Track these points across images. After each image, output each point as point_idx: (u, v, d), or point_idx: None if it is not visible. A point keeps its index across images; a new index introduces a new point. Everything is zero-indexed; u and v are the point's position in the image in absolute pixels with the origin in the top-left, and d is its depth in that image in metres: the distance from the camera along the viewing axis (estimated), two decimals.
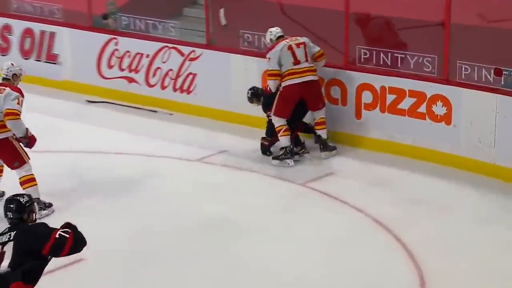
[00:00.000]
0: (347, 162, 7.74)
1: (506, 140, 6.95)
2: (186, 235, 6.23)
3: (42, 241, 4.25)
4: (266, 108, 7.87)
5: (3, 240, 4.30)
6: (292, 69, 7.50)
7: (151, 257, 5.84)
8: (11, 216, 4.49)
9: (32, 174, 6.68)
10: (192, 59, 8.95)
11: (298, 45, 7.59)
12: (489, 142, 7.10)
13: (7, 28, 10.39)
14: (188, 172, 7.68)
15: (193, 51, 8.91)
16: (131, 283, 5.54)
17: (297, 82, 7.52)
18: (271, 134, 7.83)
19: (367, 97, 7.82)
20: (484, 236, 6.14)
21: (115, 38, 9.60)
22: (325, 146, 7.67)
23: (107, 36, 9.69)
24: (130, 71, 9.46)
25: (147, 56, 9.08)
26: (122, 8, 9.81)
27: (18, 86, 6.88)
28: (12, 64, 6.96)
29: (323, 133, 7.69)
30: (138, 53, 9.08)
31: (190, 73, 8.97)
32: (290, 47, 7.54)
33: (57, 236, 4.26)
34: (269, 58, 7.59)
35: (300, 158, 7.82)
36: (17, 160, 6.69)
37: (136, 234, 6.22)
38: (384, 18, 8.39)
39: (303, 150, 7.94)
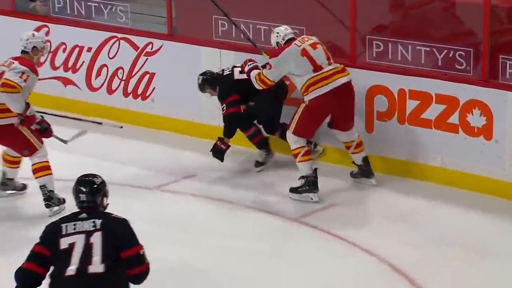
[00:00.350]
0: (355, 190, 7.89)
1: None
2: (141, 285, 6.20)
3: (130, 243, 4.82)
4: (223, 99, 8.14)
5: (89, 229, 4.74)
6: (314, 77, 7.50)
7: None
8: (84, 199, 4.98)
9: (47, 162, 7.48)
10: (149, 54, 9.08)
11: (314, 46, 7.59)
12: None
13: None
14: (144, 204, 7.77)
15: (151, 43, 9.04)
16: None
17: (325, 91, 7.50)
18: (230, 134, 8.14)
19: (380, 103, 7.96)
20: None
21: (45, 26, 9.72)
22: (370, 170, 7.81)
23: (34, 23, 9.78)
24: (66, 70, 9.62)
25: (89, 50, 9.18)
26: None
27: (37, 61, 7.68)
28: (33, 34, 7.67)
29: (365, 153, 7.82)
30: (76, 46, 9.17)
31: (147, 72, 9.13)
32: (304, 52, 7.54)
33: (142, 251, 4.84)
34: (271, 66, 7.61)
35: (263, 168, 8.21)
36: (26, 148, 7.49)
37: None
38: None
39: (266, 156, 8.38)
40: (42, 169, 7.56)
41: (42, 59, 8.35)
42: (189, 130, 8.96)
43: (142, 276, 4.90)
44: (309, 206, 7.57)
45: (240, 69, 8.28)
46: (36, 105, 9.62)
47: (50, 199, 7.54)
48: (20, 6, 9.84)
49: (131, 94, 9.14)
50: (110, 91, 9.17)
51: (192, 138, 8.91)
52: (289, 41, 7.67)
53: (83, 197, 5.02)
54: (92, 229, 4.76)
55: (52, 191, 7.54)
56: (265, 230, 7.26)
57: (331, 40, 8.22)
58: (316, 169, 7.66)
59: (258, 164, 8.32)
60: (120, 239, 4.84)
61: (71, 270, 4.60)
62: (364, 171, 7.84)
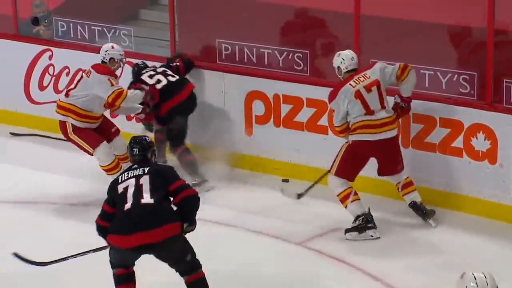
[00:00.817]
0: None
1: None
2: None
3: (173, 178, 5.96)
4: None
5: (138, 174, 5.94)
6: (365, 120, 7.44)
7: None
8: (137, 153, 6.21)
9: (107, 165, 8.30)
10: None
11: (368, 88, 7.45)
12: None
13: None
14: None
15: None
16: None
17: (371, 139, 7.45)
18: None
19: None
20: None
21: (48, 50, 9.78)
22: (426, 210, 7.60)
23: (38, 47, 9.89)
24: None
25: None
26: (58, 10, 9.98)
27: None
28: (112, 46, 8.34)
29: (416, 196, 7.60)
30: (79, 70, 9.10)
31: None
32: (358, 94, 7.42)
33: (186, 183, 6.02)
34: (333, 110, 7.61)
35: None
36: (86, 152, 8.35)
37: None
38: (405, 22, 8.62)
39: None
40: (106, 171, 8.39)
41: (117, 72, 8.64)
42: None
43: (192, 198, 5.98)
44: (312, 231, 7.58)
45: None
46: (39, 129, 9.75)
47: None
48: (23, 30, 9.88)
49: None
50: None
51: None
52: (349, 72, 7.51)
53: (136, 151, 6.22)
54: (141, 173, 5.93)
55: None
56: (269, 254, 7.25)
57: (328, 62, 8.09)
58: (369, 208, 7.53)
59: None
60: (165, 177, 5.98)
61: (128, 205, 5.79)
62: (422, 211, 7.60)
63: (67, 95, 8.41)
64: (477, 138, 7.46)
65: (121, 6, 10.49)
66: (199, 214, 7.67)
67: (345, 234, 7.44)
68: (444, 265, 6.81)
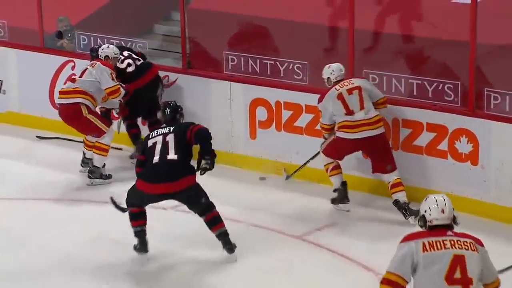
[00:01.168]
0: (352, 210, 7.80)
1: None
2: None
3: (187, 128, 6.61)
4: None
5: (165, 132, 6.59)
6: (345, 121, 7.53)
7: None
8: (168, 113, 6.90)
9: (108, 146, 8.57)
10: (165, 86, 9.04)
11: (350, 91, 7.54)
12: None
13: None
14: (159, 223, 7.63)
15: (167, 76, 9.03)
16: None
17: (350, 138, 7.53)
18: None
19: None
20: None
21: (71, 61, 9.74)
22: (408, 209, 7.52)
23: (62, 59, 9.83)
24: None
25: None
26: (80, 25, 9.92)
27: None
28: (108, 46, 8.77)
29: (401, 196, 7.54)
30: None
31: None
32: (340, 96, 7.52)
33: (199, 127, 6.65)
34: (320, 111, 7.71)
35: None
36: (94, 131, 8.53)
37: None
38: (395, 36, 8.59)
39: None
40: (100, 149, 8.54)
41: None
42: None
43: (201, 130, 6.63)
44: (311, 225, 7.52)
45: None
46: (62, 132, 9.71)
47: (92, 172, 8.55)
48: (48, 43, 9.86)
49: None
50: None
51: None
52: (337, 82, 7.61)
53: (167, 111, 6.89)
54: (167, 132, 6.58)
55: (97, 167, 8.53)
56: (270, 247, 7.19)
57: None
58: (345, 182, 7.74)
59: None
60: (184, 131, 6.59)
61: (156, 159, 6.49)
62: (404, 209, 7.53)
63: (73, 80, 8.69)
64: (460, 142, 7.41)
65: (137, 21, 10.42)
66: None
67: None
68: None
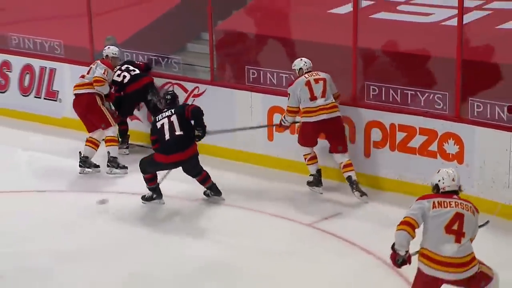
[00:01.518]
0: (356, 202, 7.66)
1: None
2: (183, 281, 6.14)
3: (184, 108, 7.43)
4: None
5: (168, 114, 7.34)
6: (307, 107, 7.57)
7: None
8: (169, 98, 7.69)
9: (115, 137, 8.58)
10: (196, 96, 8.94)
11: (317, 80, 7.62)
12: (503, 183, 7.05)
13: (6, 64, 10.41)
14: (189, 212, 7.67)
15: (197, 87, 8.92)
16: None
17: (311, 121, 7.57)
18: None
19: (376, 134, 7.80)
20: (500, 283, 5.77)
21: None
22: (357, 186, 7.57)
23: None
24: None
25: None
26: (124, 43, 9.81)
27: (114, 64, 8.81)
28: (108, 47, 8.87)
29: (353, 174, 7.57)
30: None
31: None
32: (308, 83, 7.58)
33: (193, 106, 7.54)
34: (289, 94, 7.73)
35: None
36: (103, 122, 8.48)
37: (132, 278, 6.15)
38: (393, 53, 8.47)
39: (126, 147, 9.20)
40: (111, 141, 8.52)
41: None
42: (227, 154, 8.85)
43: (194, 109, 7.45)
44: (319, 214, 7.40)
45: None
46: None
47: (111, 162, 8.49)
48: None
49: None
50: None
51: (229, 160, 8.79)
52: (307, 72, 7.72)
53: (168, 97, 7.67)
54: (170, 114, 7.35)
55: (115, 157, 8.51)
56: (284, 234, 7.10)
57: (337, 85, 8.04)
58: (319, 169, 7.80)
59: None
60: (183, 109, 7.39)
61: (167, 136, 7.25)
62: (354, 185, 7.60)
63: (83, 77, 8.69)
64: (448, 144, 7.29)
65: (173, 41, 10.33)
66: (233, 201, 7.75)
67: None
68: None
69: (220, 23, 9.56)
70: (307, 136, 7.72)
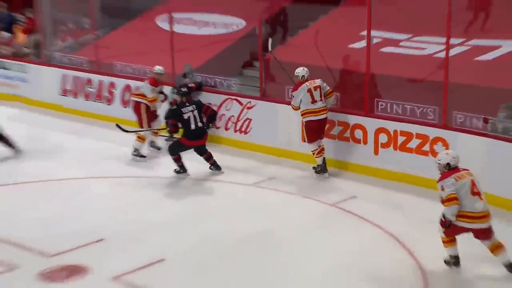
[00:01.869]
0: (368, 189, 7.52)
1: (493, 173, 6.70)
2: (241, 245, 6.05)
3: (202, 106, 7.69)
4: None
5: (191, 109, 7.57)
6: (310, 109, 7.64)
7: (212, 263, 5.64)
8: (186, 92, 7.74)
9: (143, 136, 8.36)
10: (249, 108, 8.92)
11: (315, 88, 7.68)
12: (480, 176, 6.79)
13: (112, 84, 10.51)
14: (245, 194, 7.56)
15: (250, 101, 8.92)
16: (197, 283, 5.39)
17: (314, 119, 7.66)
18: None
19: (383, 138, 7.71)
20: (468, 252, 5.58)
21: None
22: (323, 168, 7.71)
23: None
24: None
25: (215, 105, 9.00)
26: (198, 69, 9.80)
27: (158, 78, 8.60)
28: (155, 67, 8.66)
29: (323, 156, 7.70)
30: (208, 103, 8.79)
31: (248, 119, 8.95)
32: (309, 90, 7.64)
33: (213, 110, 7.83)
34: (293, 96, 7.80)
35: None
36: (140, 124, 8.46)
37: (201, 242, 6.04)
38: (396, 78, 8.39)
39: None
40: (140, 138, 8.37)
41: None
42: (270, 151, 8.72)
43: (213, 113, 7.87)
44: (340, 197, 7.18)
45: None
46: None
47: (135, 150, 8.40)
48: (178, 81, 9.44)
49: (238, 131, 9.03)
50: (226, 128, 9.14)
51: (272, 156, 8.63)
52: (306, 80, 7.67)
53: (185, 91, 7.70)
54: (192, 109, 7.56)
55: (138, 149, 8.36)
56: (314, 212, 6.95)
57: (353, 102, 8.10)
58: (324, 158, 7.73)
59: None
60: (201, 107, 7.62)
61: (193, 126, 7.53)
62: (322, 168, 7.74)
63: (137, 89, 8.85)
64: (437, 146, 7.19)
65: (232, 67, 10.27)
66: (273, 185, 7.60)
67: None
68: (422, 220, 6.32)
69: (267, 55, 9.50)
70: (313, 132, 7.71)
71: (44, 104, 11.17)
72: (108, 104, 10.49)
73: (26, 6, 12.63)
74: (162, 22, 10.96)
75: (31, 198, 7.20)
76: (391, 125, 7.59)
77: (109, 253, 5.84)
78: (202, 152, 7.84)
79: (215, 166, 7.93)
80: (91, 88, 10.67)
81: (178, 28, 10.26)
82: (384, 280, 5.34)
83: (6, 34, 12.59)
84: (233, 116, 9.03)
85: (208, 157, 7.88)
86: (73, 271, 5.49)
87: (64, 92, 11.06)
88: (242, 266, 5.58)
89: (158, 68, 8.65)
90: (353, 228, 6.43)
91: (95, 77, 10.63)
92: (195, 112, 7.61)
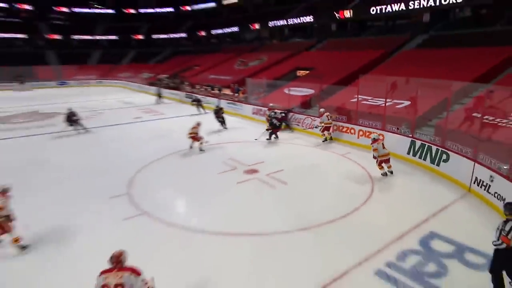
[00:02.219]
0: (354, 150, 11.59)
1: None
2: (298, 169, 9.86)
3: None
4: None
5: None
6: (327, 122, 12.20)
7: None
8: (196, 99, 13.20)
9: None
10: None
11: (328, 116, 12.39)
12: None
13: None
14: (300, 151, 11.62)
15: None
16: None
17: (330, 125, 12.18)
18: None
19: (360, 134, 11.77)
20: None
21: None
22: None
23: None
24: None
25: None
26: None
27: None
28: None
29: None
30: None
31: None
32: (328, 115, 12.27)
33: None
34: (321, 119, 12.43)
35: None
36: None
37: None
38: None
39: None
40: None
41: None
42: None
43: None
44: (345, 152, 11.11)
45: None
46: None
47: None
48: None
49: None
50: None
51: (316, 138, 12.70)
52: (325, 112, 12.06)
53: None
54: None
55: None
56: (329, 156, 10.94)
57: (367, 121, 12.18)
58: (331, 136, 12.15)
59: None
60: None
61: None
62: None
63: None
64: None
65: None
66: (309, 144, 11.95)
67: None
68: (395, 173, 9.83)
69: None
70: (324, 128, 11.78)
71: None
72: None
73: None
74: None
75: None
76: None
77: None
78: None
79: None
80: None
81: None
82: (355, 179, 9.56)
83: None
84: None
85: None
86: None
87: None
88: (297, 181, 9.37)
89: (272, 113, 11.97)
90: (348, 164, 10.64)
91: None
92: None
